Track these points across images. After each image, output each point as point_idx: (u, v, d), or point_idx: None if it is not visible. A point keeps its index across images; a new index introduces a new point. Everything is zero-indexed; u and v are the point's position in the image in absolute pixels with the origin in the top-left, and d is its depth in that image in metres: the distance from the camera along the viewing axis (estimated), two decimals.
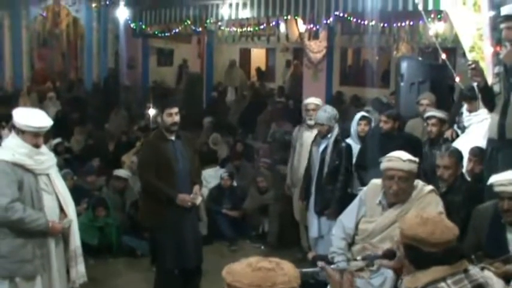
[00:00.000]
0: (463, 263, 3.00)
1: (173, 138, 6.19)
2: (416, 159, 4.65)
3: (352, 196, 6.12)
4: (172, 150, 6.15)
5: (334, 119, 7.11)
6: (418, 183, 4.65)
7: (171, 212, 6.08)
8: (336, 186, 7.04)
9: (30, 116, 5.02)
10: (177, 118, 6.13)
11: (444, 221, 3.11)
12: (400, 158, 4.55)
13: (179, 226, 6.14)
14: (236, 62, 19.62)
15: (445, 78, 8.62)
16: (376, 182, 4.77)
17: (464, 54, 7.14)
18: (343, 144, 7.10)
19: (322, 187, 7.17)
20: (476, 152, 5.77)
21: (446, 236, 2.95)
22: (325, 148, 7.14)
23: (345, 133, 7.70)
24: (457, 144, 6.10)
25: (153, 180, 6.12)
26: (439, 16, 11.81)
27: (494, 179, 4.37)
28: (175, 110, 6.13)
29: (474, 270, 3.06)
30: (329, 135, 7.10)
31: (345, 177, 7.08)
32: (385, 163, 4.61)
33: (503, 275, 3.76)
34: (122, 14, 16.06)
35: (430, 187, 4.67)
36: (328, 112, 7.17)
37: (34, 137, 4.98)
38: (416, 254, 3.00)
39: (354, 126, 7.54)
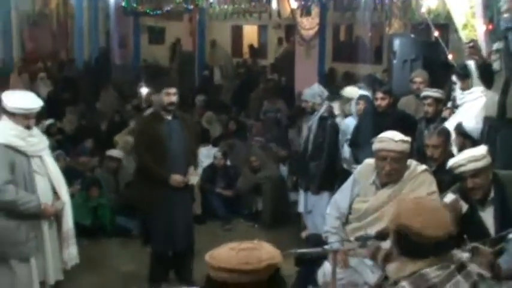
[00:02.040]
0: (452, 255, 2.95)
1: (169, 118, 6.14)
2: (409, 139, 4.65)
3: (347, 172, 6.15)
4: (167, 130, 6.09)
5: (319, 96, 7.21)
6: (411, 162, 4.65)
7: (164, 193, 6.05)
8: (320, 162, 7.10)
9: (20, 99, 5.02)
10: (174, 98, 6.09)
11: (440, 212, 2.98)
12: (392, 139, 4.54)
13: (171, 208, 6.11)
14: (216, 42, 19.47)
15: (437, 55, 8.57)
16: (370, 161, 4.77)
17: (456, 31, 7.10)
18: (329, 122, 7.16)
19: (307, 163, 7.23)
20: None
21: (438, 232, 2.85)
22: (312, 125, 7.20)
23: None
24: (449, 123, 6.08)
25: (146, 160, 6.10)
26: None
27: (451, 162, 4.36)
28: (173, 90, 6.09)
29: (460, 254, 3.03)
30: (316, 113, 7.16)
31: (329, 154, 7.15)
32: (377, 144, 4.61)
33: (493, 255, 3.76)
34: None
35: (424, 166, 4.67)
36: (313, 89, 7.31)
37: (25, 119, 4.98)
38: (405, 242, 2.92)
39: (353, 105, 7.56)
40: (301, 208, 7.51)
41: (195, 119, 12.06)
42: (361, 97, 7.48)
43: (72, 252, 5.33)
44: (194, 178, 6.24)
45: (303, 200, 7.45)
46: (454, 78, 6.88)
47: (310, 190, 7.24)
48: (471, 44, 5.27)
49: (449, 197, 4.33)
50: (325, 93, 7.33)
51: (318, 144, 7.16)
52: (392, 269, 3.07)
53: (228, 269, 2.20)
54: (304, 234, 7.69)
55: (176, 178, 6.04)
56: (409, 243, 2.89)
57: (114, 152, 9.00)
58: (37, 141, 5.11)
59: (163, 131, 6.08)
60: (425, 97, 6.67)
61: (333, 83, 12.80)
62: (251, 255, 2.22)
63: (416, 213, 2.89)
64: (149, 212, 6.26)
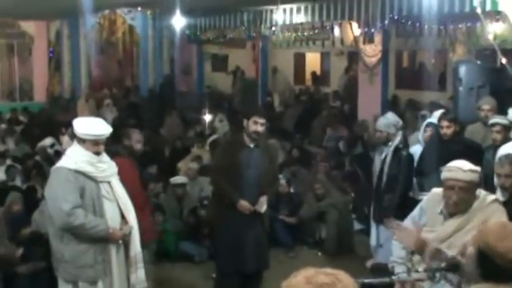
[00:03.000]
0: None
1: (252, 145, 6.21)
2: (478, 169, 4.55)
3: (413, 201, 6.04)
4: (247, 157, 6.16)
5: (394, 126, 6.98)
6: (481, 192, 4.55)
7: (232, 216, 6.12)
8: (394, 195, 6.94)
9: (90, 125, 5.14)
10: (261, 128, 6.15)
11: None
12: (460, 169, 4.45)
13: (239, 230, 6.16)
14: (277, 69, 19.58)
15: (505, 82, 8.44)
16: (437, 191, 4.69)
17: None
18: (404, 153, 6.96)
19: (381, 196, 7.09)
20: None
21: None
22: (386, 156, 7.04)
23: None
24: None
25: (220, 181, 6.24)
26: (497, 17, 11.56)
27: None
28: (262, 120, 6.15)
29: None
30: (390, 143, 6.99)
31: (404, 186, 6.96)
32: (445, 173, 4.52)
33: None
34: (177, 21, 16.21)
35: (494, 196, 4.57)
36: (387, 119, 7.09)
37: (94, 145, 5.08)
38: (488, 264, 2.78)
39: (421, 133, 7.45)
40: (373, 241, 7.31)
41: None
42: (428, 124, 7.36)
43: (140, 276, 5.40)
44: (262, 207, 6.23)
45: (375, 233, 7.26)
46: None
47: (384, 223, 7.08)
48: None
49: None
50: (400, 122, 7.12)
51: (392, 176, 6.93)
52: None
53: None
54: (369, 263, 7.59)
55: (244, 204, 6.08)
56: (492, 265, 2.76)
57: (179, 179, 9.12)
58: (106, 167, 5.21)
59: (243, 158, 6.16)
60: (494, 124, 6.55)
61: (396, 111, 12.68)
62: None
63: (503, 236, 2.77)
64: (217, 233, 6.37)
